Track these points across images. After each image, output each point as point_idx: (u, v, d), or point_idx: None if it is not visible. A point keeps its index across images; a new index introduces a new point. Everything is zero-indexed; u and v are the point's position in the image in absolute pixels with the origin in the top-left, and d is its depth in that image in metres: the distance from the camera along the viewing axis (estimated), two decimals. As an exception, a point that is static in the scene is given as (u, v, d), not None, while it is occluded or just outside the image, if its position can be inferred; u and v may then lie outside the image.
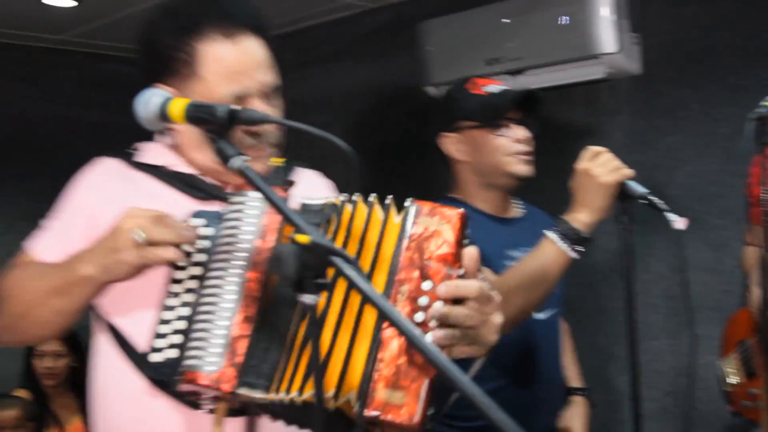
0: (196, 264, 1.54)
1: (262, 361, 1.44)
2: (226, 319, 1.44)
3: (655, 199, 2.19)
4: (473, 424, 2.36)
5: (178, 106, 1.44)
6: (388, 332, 1.38)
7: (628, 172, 2.21)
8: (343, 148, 1.25)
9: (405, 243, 1.44)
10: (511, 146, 2.46)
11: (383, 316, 1.11)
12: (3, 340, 1.79)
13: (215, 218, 1.56)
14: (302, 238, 1.17)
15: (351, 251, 1.44)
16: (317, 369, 1.20)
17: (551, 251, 2.18)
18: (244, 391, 1.42)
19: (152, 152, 1.81)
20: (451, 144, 2.53)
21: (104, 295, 1.64)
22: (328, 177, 1.96)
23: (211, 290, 1.48)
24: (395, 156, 4.61)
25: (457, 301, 1.41)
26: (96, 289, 1.59)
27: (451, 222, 1.44)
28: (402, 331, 1.06)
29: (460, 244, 1.44)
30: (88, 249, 1.57)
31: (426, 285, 1.41)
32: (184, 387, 1.46)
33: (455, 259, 1.43)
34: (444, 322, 1.39)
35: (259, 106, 1.67)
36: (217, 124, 1.36)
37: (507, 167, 2.47)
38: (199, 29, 1.68)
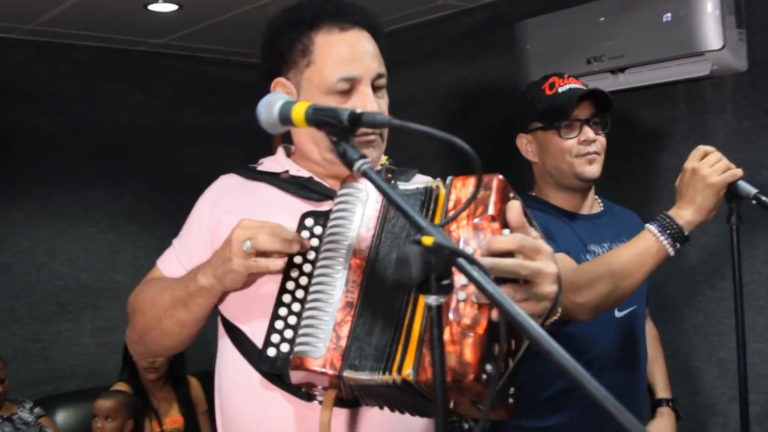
0: (307, 262, 1.63)
1: (366, 343, 1.48)
2: (331, 305, 1.52)
3: (766, 199, 2.15)
4: (544, 423, 2.36)
5: (299, 110, 1.47)
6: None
7: (738, 172, 2.17)
8: (467, 151, 1.25)
9: (451, 213, 1.47)
10: (575, 148, 2.44)
11: (510, 319, 1.10)
12: (136, 351, 1.97)
13: (324, 217, 1.64)
14: (426, 240, 1.18)
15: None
16: (440, 368, 1.21)
17: (649, 243, 2.16)
18: (349, 374, 1.47)
19: (272, 161, 1.93)
20: (524, 145, 2.57)
21: (229, 300, 1.76)
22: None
23: (319, 280, 1.56)
24: (491, 158, 4.59)
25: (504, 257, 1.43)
26: (213, 299, 1.72)
27: (489, 187, 1.47)
28: (530, 335, 1.07)
29: (501, 208, 1.47)
30: (206, 261, 1.69)
31: (470, 249, 1.44)
32: (294, 375, 1.53)
33: (496, 221, 1.45)
34: (495, 275, 1.39)
35: (366, 93, 1.77)
36: (339, 127, 1.38)
37: (572, 169, 2.45)
38: (315, 23, 1.81)
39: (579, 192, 2.52)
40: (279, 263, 1.58)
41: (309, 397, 1.64)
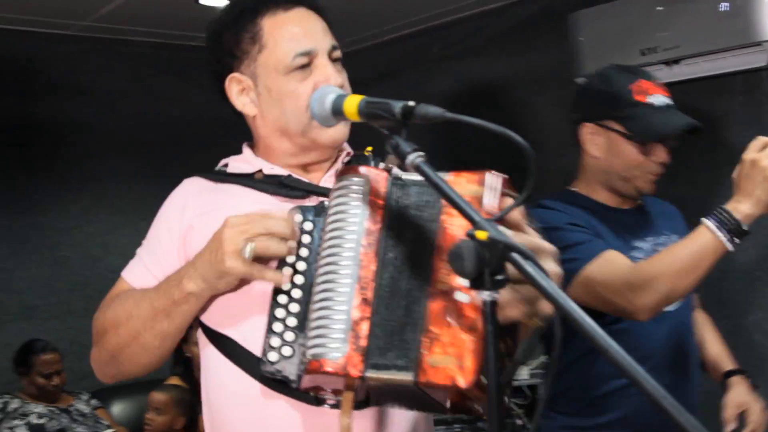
0: (301, 259, 1.55)
1: (387, 342, 1.41)
2: (344, 303, 1.42)
3: None
4: (598, 421, 2.34)
5: (352, 103, 1.46)
6: (434, 302, 1.38)
7: None
8: (521, 144, 1.23)
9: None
10: (648, 165, 2.36)
11: (563, 314, 1.09)
12: (106, 374, 1.77)
13: (313, 212, 1.57)
14: (480, 234, 1.17)
15: None
16: (495, 365, 1.19)
17: (707, 239, 2.09)
18: (372, 374, 1.40)
19: (239, 162, 1.83)
20: (589, 136, 2.42)
21: (211, 307, 1.65)
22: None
23: (326, 278, 1.45)
24: (542, 149, 4.55)
25: None
26: (200, 304, 1.60)
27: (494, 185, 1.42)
28: (587, 333, 1.05)
29: (501, 206, 1.41)
30: (189, 265, 1.58)
31: None
32: (308, 379, 1.45)
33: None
34: None
35: (325, 65, 1.69)
36: (392, 120, 1.36)
37: (635, 182, 2.38)
38: (258, 9, 1.74)
39: (628, 196, 2.47)
40: (288, 270, 1.52)
41: (317, 401, 1.55)
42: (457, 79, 5.23)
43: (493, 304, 1.17)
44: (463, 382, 1.32)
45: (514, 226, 1.38)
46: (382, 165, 1.57)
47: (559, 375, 2.37)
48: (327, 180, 1.75)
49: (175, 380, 4.50)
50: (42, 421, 4.34)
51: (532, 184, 1.32)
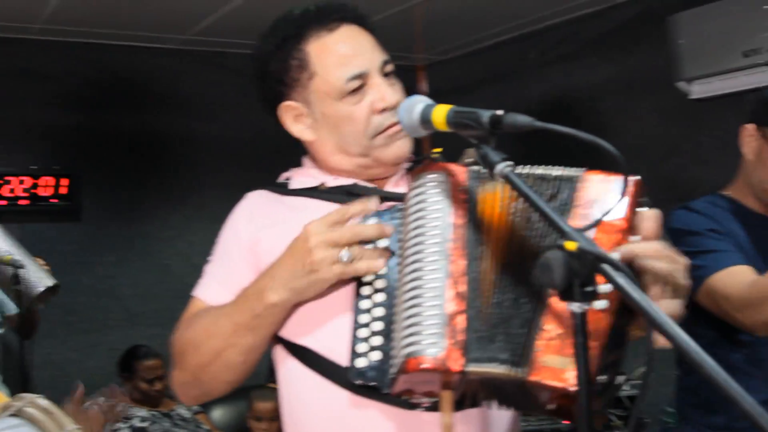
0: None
1: (486, 335, 1.38)
2: (436, 298, 1.39)
3: None
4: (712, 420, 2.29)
5: (440, 113, 1.45)
6: (554, 299, 1.33)
7: None
8: (612, 152, 1.21)
9: (570, 213, 1.40)
10: None
11: (655, 327, 1.06)
12: (190, 395, 1.74)
13: (386, 215, 1.54)
14: (570, 245, 1.15)
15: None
16: (584, 375, 1.17)
17: None
18: (474, 368, 1.36)
19: (302, 175, 1.80)
20: (747, 138, 2.34)
21: (287, 322, 1.61)
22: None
23: (412, 275, 1.42)
24: (640, 156, 4.47)
25: None
26: (282, 315, 1.57)
27: (625, 189, 1.37)
28: (682, 347, 1.02)
29: (633, 212, 1.39)
30: (267, 277, 1.54)
31: None
32: (402, 380, 1.40)
33: (629, 225, 1.38)
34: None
35: (379, 84, 1.65)
36: (480, 129, 1.35)
37: None
38: (301, 34, 1.68)
39: None
40: (380, 263, 1.49)
41: (411, 405, 1.50)
42: (554, 85, 5.17)
43: (583, 316, 1.15)
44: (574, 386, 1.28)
45: (649, 239, 1.38)
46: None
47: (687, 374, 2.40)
48: (392, 188, 1.72)
49: (274, 384, 4.54)
50: (144, 424, 4.45)
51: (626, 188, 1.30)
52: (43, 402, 2.20)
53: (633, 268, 1.34)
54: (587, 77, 4.99)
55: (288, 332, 1.63)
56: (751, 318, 2.09)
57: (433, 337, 1.36)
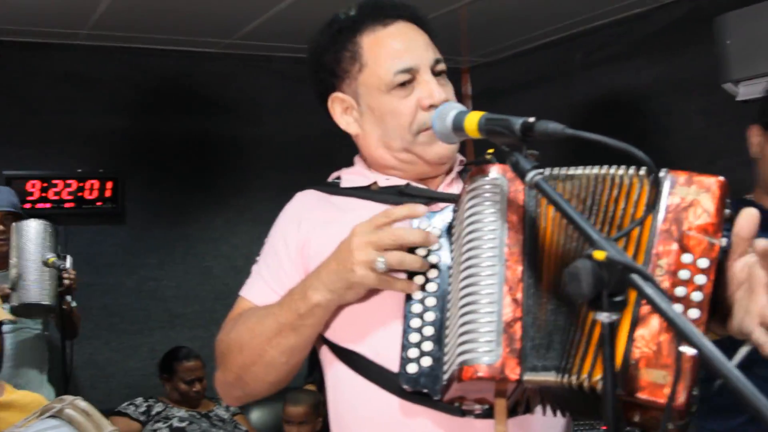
0: (432, 267, 1.49)
1: (542, 343, 1.35)
2: (492, 305, 1.36)
3: None
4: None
5: (472, 120, 1.43)
6: (647, 308, 1.29)
7: None
8: (644, 160, 1.18)
9: (661, 215, 1.35)
10: None
11: (684, 338, 1.03)
12: (232, 396, 1.73)
13: (437, 217, 1.53)
14: (598, 254, 1.12)
15: (605, 226, 1.38)
16: (611, 386, 1.15)
17: None
18: (530, 377, 1.34)
19: (353, 174, 1.80)
20: (753, 136, 2.37)
21: (336, 323, 1.61)
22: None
23: (467, 281, 1.39)
24: (688, 159, 4.42)
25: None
26: (327, 315, 1.56)
27: (711, 190, 1.35)
28: (710, 361, 1.00)
29: (720, 213, 1.35)
30: (313, 277, 1.53)
31: (686, 258, 1.32)
32: (455, 388, 1.38)
33: (716, 228, 1.33)
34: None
35: (428, 81, 1.65)
36: (512, 137, 1.33)
37: None
38: (357, 27, 1.70)
39: None
40: (420, 279, 1.47)
41: (462, 412, 1.48)
42: (600, 86, 5.13)
43: (611, 326, 1.13)
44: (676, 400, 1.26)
45: (746, 239, 1.35)
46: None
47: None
48: (445, 188, 1.72)
49: (311, 387, 4.57)
50: (183, 424, 4.49)
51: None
52: (82, 404, 2.22)
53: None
54: (633, 79, 4.93)
55: (336, 336, 1.62)
56: None
57: (489, 344, 1.34)
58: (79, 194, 5.19)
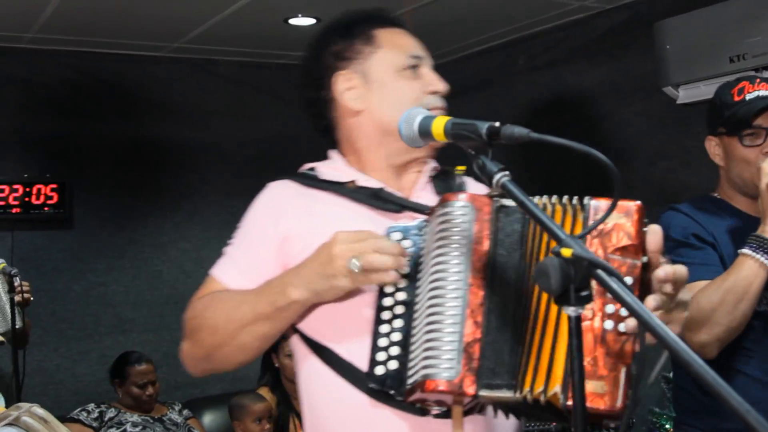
0: (403, 276, 1.58)
1: (496, 362, 1.47)
2: (455, 325, 1.47)
3: None
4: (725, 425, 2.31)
5: (439, 124, 1.49)
6: (585, 324, 1.40)
7: None
8: (605, 162, 1.25)
9: (588, 239, 1.46)
10: (757, 158, 2.34)
11: (649, 330, 1.10)
12: (198, 368, 1.80)
13: (411, 231, 1.62)
14: (565, 251, 1.19)
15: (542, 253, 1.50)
16: (578, 378, 1.21)
17: (749, 264, 2.16)
18: (485, 393, 1.45)
19: (331, 168, 1.88)
20: (712, 147, 2.48)
21: (313, 319, 1.71)
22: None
23: (432, 301, 1.51)
24: (629, 160, 4.52)
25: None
26: (300, 312, 1.66)
27: (629, 214, 1.46)
28: (671, 348, 1.06)
29: (640, 235, 1.46)
30: (292, 273, 1.62)
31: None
32: (418, 396, 1.50)
33: (637, 249, 1.45)
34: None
35: (431, 73, 1.85)
36: (478, 141, 1.39)
37: (753, 179, 2.37)
38: (369, 23, 1.89)
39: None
40: (392, 276, 1.54)
41: (422, 411, 1.60)
42: (542, 90, 5.21)
43: (578, 319, 1.19)
44: (614, 405, 1.41)
45: (653, 252, 1.47)
46: (483, 189, 1.60)
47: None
48: (418, 194, 1.81)
49: (263, 391, 4.56)
50: (136, 429, 4.46)
51: (618, 201, 1.34)
52: (40, 411, 2.22)
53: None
54: (576, 82, 5.02)
55: (312, 330, 1.72)
56: (700, 340, 2.15)
57: (450, 362, 1.46)
58: (26, 199, 5.13)
